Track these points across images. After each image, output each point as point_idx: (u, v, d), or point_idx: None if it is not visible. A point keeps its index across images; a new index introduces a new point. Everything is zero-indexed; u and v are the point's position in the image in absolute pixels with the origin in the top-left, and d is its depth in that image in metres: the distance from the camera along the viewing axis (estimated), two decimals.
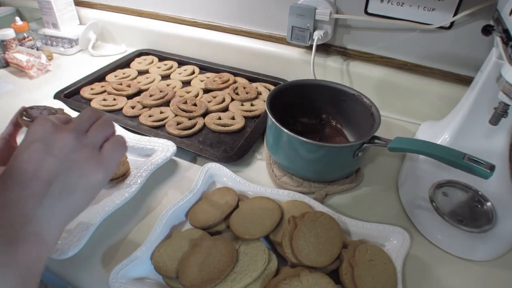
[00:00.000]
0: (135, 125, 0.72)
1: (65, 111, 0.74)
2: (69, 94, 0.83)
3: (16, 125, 0.45)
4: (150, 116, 0.76)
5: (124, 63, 0.98)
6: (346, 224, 0.52)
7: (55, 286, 0.57)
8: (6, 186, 0.30)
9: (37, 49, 1.01)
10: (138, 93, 0.85)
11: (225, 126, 0.73)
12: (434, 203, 0.56)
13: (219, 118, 0.75)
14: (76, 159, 0.32)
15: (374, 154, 0.69)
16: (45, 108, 0.49)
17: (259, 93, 0.85)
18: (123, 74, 0.93)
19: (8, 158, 0.40)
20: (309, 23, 0.78)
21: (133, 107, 0.79)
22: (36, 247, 0.29)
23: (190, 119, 0.75)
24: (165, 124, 0.73)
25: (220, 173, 0.61)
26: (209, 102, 0.80)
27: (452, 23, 0.70)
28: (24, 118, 0.46)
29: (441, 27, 0.71)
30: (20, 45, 0.98)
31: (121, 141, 0.36)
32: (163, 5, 1.02)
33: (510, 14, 0.50)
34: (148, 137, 0.67)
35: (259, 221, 0.50)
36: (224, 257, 0.45)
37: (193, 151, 0.66)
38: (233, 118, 0.76)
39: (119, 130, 0.69)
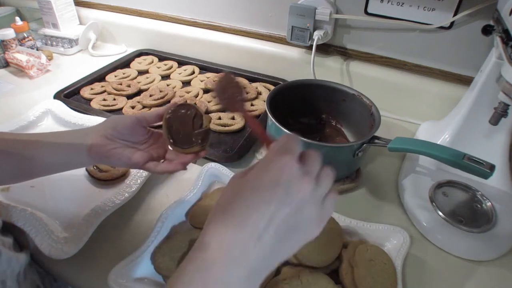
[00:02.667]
0: None
1: (65, 111, 0.74)
2: (69, 94, 0.83)
3: (158, 116, 0.48)
4: None
5: (124, 63, 0.98)
6: (346, 224, 0.52)
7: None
8: (228, 217, 0.29)
9: (37, 49, 1.01)
10: (138, 93, 0.85)
11: (225, 126, 0.73)
12: (434, 203, 0.56)
13: (219, 118, 0.75)
14: (305, 215, 0.30)
15: (374, 154, 0.69)
16: (191, 107, 0.49)
17: (259, 93, 0.85)
18: (123, 74, 0.93)
19: (133, 134, 0.47)
20: (309, 23, 0.78)
21: (133, 107, 0.79)
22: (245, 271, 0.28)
23: None
24: None
25: (220, 173, 0.61)
26: (209, 102, 0.80)
27: (452, 23, 0.70)
28: (168, 114, 0.47)
29: (441, 27, 0.71)
30: (20, 45, 0.98)
31: (336, 197, 0.33)
32: (163, 5, 1.02)
33: (510, 14, 0.50)
34: None
35: None
36: None
37: None
38: (233, 118, 0.76)
39: None
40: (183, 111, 0.48)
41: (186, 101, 0.79)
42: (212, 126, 0.73)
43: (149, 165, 0.47)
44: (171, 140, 0.47)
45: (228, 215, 0.29)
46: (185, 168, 0.47)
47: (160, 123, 0.49)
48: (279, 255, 0.30)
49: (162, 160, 0.49)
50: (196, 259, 0.28)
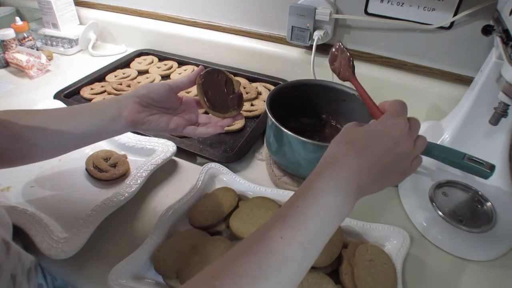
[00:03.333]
0: None
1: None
2: (69, 94, 0.83)
3: (190, 82, 0.50)
4: None
5: (124, 63, 0.98)
6: (346, 224, 0.52)
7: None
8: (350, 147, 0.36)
9: (37, 49, 1.01)
10: None
11: None
12: (434, 203, 0.56)
13: None
14: (400, 167, 0.37)
15: None
16: (221, 72, 0.51)
17: (259, 93, 0.85)
18: (123, 74, 0.93)
19: (167, 101, 0.49)
20: (309, 23, 0.78)
21: None
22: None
23: None
24: None
25: (220, 173, 0.61)
26: None
27: (452, 23, 0.70)
28: (201, 80, 0.49)
29: (441, 27, 0.71)
30: (20, 45, 0.98)
31: (421, 161, 0.41)
32: (163, 5, 1.02)
33: (510, 14, 0.50)
34: (148, 137, 0.67)
35: (259, 221, 0.50)
36: None
37: (193, 151, 0.66)
38: None
39: None
40: (214, 76, 0.49)
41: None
42: None
43: (187, 129, 0.49)
44: (209, 106, 0.48)
45: (350, 145, 0.36)
46: (223, 130, 0.50)
47: (191, 89, 0.50)
48: (373, 187, 0.37)
49: (197, 124, 0.51)
50: (329, 166, 0.35)
